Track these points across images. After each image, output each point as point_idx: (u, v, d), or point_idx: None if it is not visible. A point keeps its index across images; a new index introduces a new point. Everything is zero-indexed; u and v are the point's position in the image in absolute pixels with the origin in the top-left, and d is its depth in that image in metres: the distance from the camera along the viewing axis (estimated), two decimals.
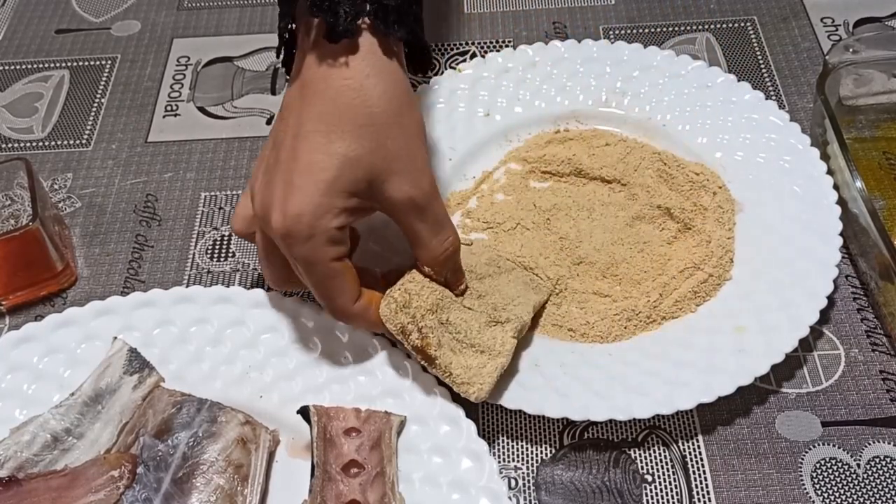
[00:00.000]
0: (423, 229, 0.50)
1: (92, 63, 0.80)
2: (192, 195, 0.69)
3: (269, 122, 0.74)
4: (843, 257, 0.59)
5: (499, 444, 0.54)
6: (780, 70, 0.74)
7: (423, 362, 0.51)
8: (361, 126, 0.47)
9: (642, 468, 0.53)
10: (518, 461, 0.53)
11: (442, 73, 0.72)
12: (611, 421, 0.53)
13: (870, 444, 0.53)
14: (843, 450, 0.53)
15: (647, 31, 0.79)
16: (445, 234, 0.51)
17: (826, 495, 0.51)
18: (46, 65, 0.80)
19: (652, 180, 0.63)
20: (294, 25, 0.51)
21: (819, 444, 0.53)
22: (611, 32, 0.79)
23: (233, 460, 0.50)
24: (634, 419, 0.52)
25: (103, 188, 0.70)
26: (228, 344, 0.56)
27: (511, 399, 0.52)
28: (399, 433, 0.52)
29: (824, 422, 0.54)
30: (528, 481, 0.53)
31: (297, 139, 0.47)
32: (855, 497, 0.51)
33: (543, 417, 0.55)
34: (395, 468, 0.50)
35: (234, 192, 0.69)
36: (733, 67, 0.75)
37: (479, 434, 0.51)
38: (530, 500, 0.52)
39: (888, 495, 0.51)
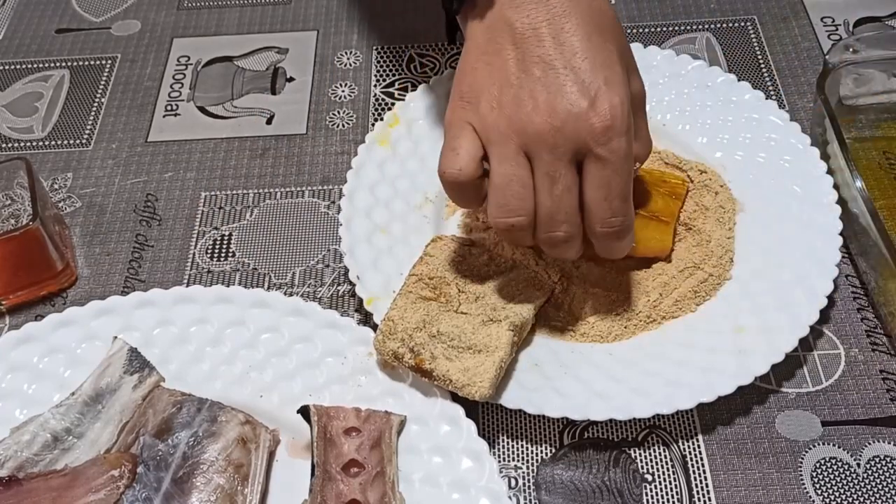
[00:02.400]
0: (643, 125, 0.52)
1: (92, 63, 0.80)
2: (192, 195, 0.69)
3: (269, 122, 0.74)
4: (843, 257, 0.59)
5: (499, 444, 0.54)
6: (780, 70, 0.74)
7: (423, 378, 0.52)
8: (614, 26, 0.50)
9: (642, 468, 0.53)
10: (518, 461, 0.54)
11: (443, 73, 0.72)
12: (611, 421, 0.53)
13: (870, 443, 0.53)
14: (843, 449, 0.53)
15: (647, 30, 0.79)
16: (650, 137, 0.54)
17: (826, 495, 0.51)
18: (46, 64, 0.80)
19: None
20: None
21: (819, 444, 0.53)
22: None
23: (233, 460, 0.50)
24: (634, 419, 0.52)
25: (103, 188, 0.70)
26: (228, 344, 0.56)
27: (511, 399, 0.52)
28: (399, 433, 0.52)
29: (824, 421, 0.54)
30: (528, 481, 0.53)
31: (575, 43, 0.47)
32: (855, 497, 0.51)
33: (543, 417, 0.55)
34: (395, 468, 0.50)
35: (234, 192, 0.69)
36: (733, 67, 0.75)
37: (479, 434, 0.51)
38: (530, 500, 0.52)
39: (888, 495, 0.51)
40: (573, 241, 0.49)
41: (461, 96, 0.50)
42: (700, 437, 0.54)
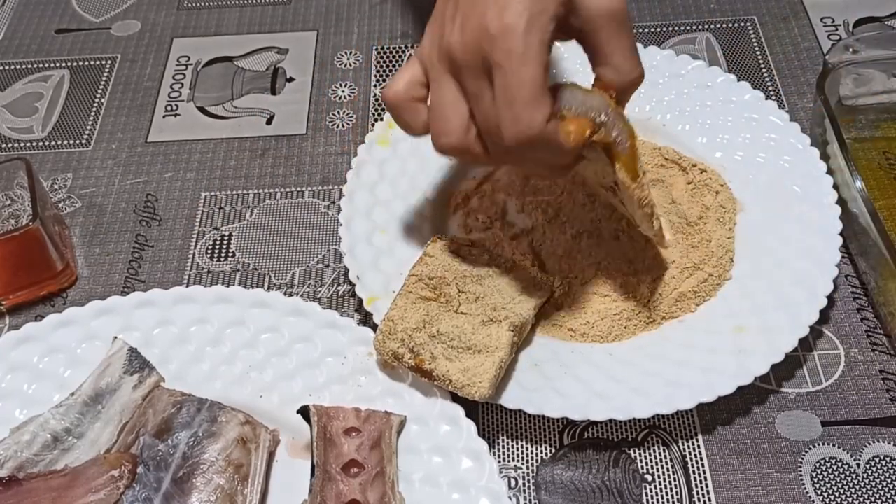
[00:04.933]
0: (617, 48, 0.48)
1: (92, 63, 0.80)
2: (192, 195, 0.69)
3: (268, 122, 0.74)
4: (843, 257, 0.59)
5: (499, 444, 0.54)
6: (780, 70, 0.75)
7: (423, 379, 0.52)
8: None
9: (642, 468, 0.53)
10: (518, 461, 0.54)
11: None
12: (611, 421, 0.53)
13: (870, 443, 0.53)
14: (843, 449, 0.53)
15: (647, 31, 0.79)
16: (637, 58, 0.49)
17: (826, 495, 0.51)
18: (46, 65, 0.80)
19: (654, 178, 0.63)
20: None
21: (819, 444, 0.53)
22: None
23: (233, 460, 0.50)
24: (634, 419, 0.52)
25: (103, 188, 0.70)
26: (228, 344, 0.56)
27: (511, 399, 0.52)
28: (399, 433, 0.52)
29: (824, 421, 0.54)
30: (528, 481, 0.53)
31: None
32: (855, 497, 0.51)
33: (543, 417, 0.55)
34: (395, 468, 0.50)
35: (234, 192, 0.69)
36: (733, 67, 0.75)
37: (479, 434, 0.51)
38: (530, 500, 0.52)
39: (888, 495, 0.51)
40: (526, 149, 0.48)
41: (426, 30, 0.52)
42: (700, 437, 0.54)
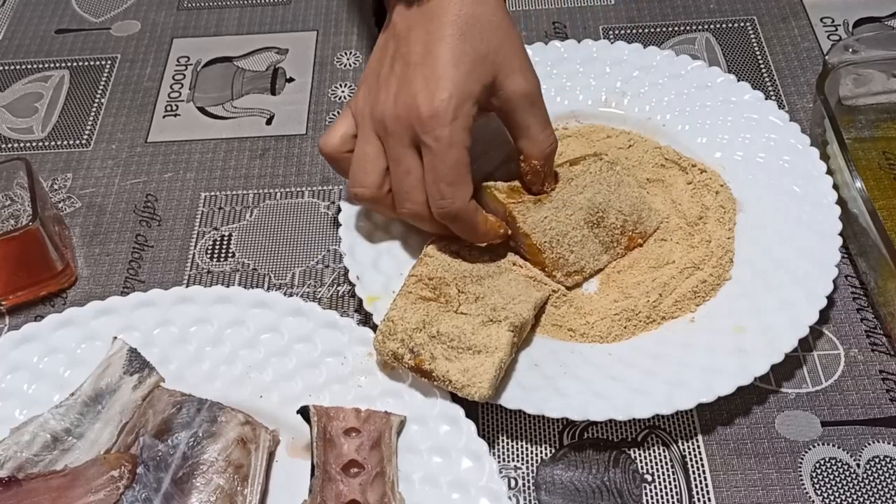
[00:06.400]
0: (533, 123, 0.56)
1: (92, 63, 0.80)
2: (192, 195, 0.69)
3: (268, 123, 0.74)
4: (842, 257, 0.59)
5: (499, 444, 0.54)
6: (780, 70, 0.75)
7: (423, 379, 0.52)
8: (486, 31, 0.54)
9: (642, 468, 0.53)
10: (518, 461, 0.54)
11: None
12: (610, 421, 0.53)
13: (869, 443, 0.53)
14: (843, 450, 0.53)
15: (646, 31, 0.79)
16: (550, 129, 0.57)
17: (826, 495, 0.51)
18: (46, 65, 0.80)
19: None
20: None
21: (819, 444, 0.53)
22: (610, 32, 0.79)
23: (233, 460, 0.50)
24: (634, 419, 0.52)
25: (103, 188, 0.70)
26: (228, 344, 0.56)
27: (511, 399, 0.52)
28: (399, 433, 0.52)
29: (824, 422, 0.54)
30: (528, 481, 0.53)
31: (431, 44, 0.53)
32: (855, 497, 0.51)
33: (543, 417, 0.55)
34: (395, 468, 0.50)
35: (234, 192, 0.69)
36: (733, 67, 0.75)
37: (479, 434, 0.51)
38: (530, 500, 0.52)
39: (888, 495, 0.51)
40: (419, 217, 0.56)
41: (360, 83, 0.58)
42: (700, 437, 0.54)
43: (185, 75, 0.78)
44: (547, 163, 0.57)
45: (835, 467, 0.52)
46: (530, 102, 0.55)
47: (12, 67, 0.80)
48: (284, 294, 0.60)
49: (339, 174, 0.60)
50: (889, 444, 0.53)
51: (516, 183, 0.60)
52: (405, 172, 0.54)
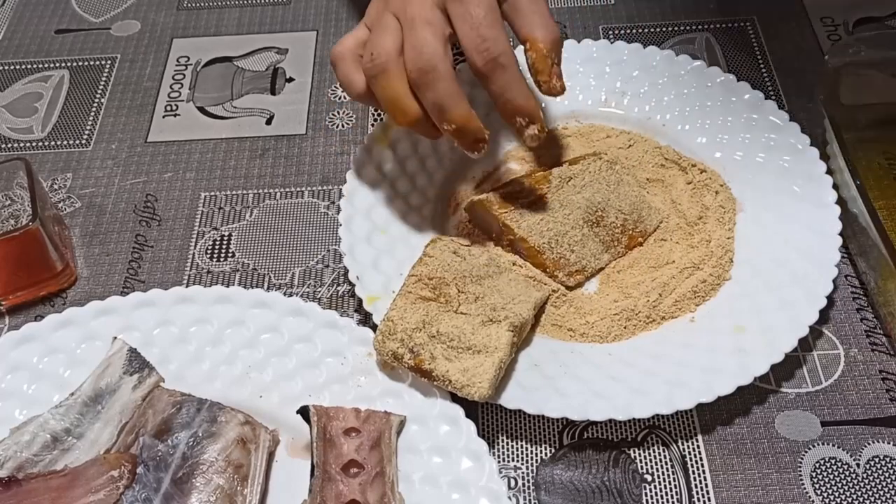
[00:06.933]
0: (538, 12, 0.55)
1: (92, 63, 0.80)
2: (192, 195, 0.69)
3: (268, 122, 0.74)
4: (842, 257, 0.59)
5: (499, 444, 0.54)
6: (780, 70, 0.75)
7: (423, 379, 0.52)
8: None
9: (642, 468, 0.53)
10: (518, 461, 0.54)
11: None
12: (610, 421, 0.53)
13: (869, 443, 0.53)
14: (843, 449, 0.53)
15: (646, 31, 0.79)
16: (553, 21, 0.55)
17: (826, 495, 0.51)
18: (46, 65, 0.80)
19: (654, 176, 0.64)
20: None
21: (818, 444, 0.53)
22: (610, 32, 0.79)
23: (233, 460, 0.50)
24: (634, 419, 0.52)
25: (103, 188, 0.70)
26: (228, 344, 0.56)
27: (511, 399, 0.52)
28: (399, 433, 0.52)
29: (824, 421, 0.54)
30: (528, 481, 0.53)
31: None
32: (854, 497, 0.51)
33: (543, 417, 0.55)
34: (395, 468, 0.50)
35: (234, 192, 0.69)
36: (733, 67, 0.75)
37: (478, 434, 0.51)
38: (530, 500, 0.52)
39: (888, 495, 0.51)
40: (440, 77, 0.53)
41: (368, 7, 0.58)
42: (699, 437, 0.54)
43: (184, 75, 0.78)
44: (554, 49, 0.55)
45: (835, 467, 0.52)
46: None
47: (12, 67, 0.80)
48: (284, 294, 0.60)
49: (343, 83, 0.58)
50: (889, 443, 0.53)
51: (514, 182, 0.60)
52: (426, 24, 0.53)
